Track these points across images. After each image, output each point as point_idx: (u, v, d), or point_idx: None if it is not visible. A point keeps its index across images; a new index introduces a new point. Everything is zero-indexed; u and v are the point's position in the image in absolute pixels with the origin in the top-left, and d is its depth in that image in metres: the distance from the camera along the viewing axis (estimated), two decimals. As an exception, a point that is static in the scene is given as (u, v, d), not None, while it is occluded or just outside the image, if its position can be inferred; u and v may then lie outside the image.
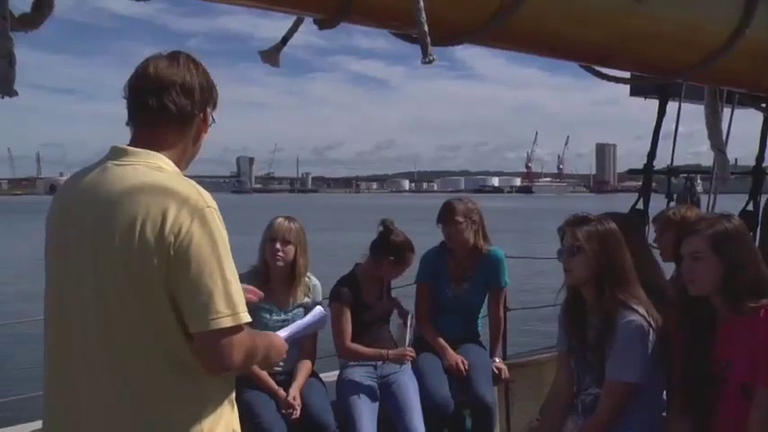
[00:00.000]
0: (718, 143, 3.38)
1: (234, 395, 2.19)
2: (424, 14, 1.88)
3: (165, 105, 2.07)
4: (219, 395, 2.10)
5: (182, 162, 2.18)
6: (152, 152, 2.08)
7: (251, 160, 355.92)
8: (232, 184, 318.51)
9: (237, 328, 1.98)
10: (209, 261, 1.95)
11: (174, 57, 2.13)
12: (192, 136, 2.19)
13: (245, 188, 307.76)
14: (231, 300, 1.97)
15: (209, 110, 2.20)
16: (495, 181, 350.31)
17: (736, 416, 2.90)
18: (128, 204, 1.97)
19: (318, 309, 2.90)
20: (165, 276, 1.95)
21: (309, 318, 2.85)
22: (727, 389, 2.97)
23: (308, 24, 2.30)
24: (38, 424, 2.78)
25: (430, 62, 1.95)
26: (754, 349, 2.87)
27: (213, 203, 2.02)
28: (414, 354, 4.47)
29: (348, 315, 4.50)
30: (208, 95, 2.17)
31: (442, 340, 4.72)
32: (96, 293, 1.99)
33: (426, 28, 1.90)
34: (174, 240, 1.93)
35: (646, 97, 5.87)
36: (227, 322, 1.95)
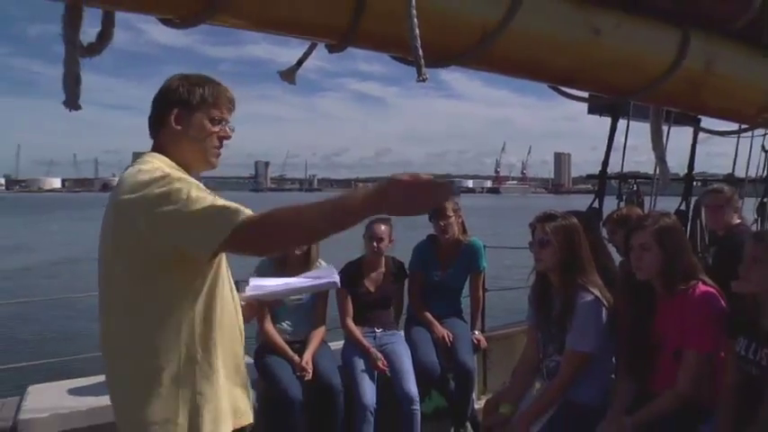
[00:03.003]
0: (660, 154, 3.36)
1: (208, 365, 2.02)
2: (418, 41, 1.87)
3: (152, 117, 2.15)
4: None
5: (187, 161, 2.10)
6: (152, 153, 2.10)
7: (266, 164, 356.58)
8: (250, 184, 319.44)
9: (242, 224, 1.76)
10: (181, 202, 1.81)
11: (169, 78, 2.16)
12: (181, 137, 2.10)
13: (261, 187, 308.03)
14: (223, 209, 1.80)
15: (176, 111, 2.09)
16: (470, 183, 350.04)
17: (669, 376, 2.96)
18: (117, 192, 1.97)
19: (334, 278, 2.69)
20: (151, 237, 1.86)
21: (323, 281, 2.66)
22: (662, 354, 3.01)
23: (319, 50, 2.28)
24: None
25: (423, 80, 1.92)
26: (684, 322, 2.92)
27: (174, 173, 1.94)
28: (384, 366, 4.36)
29: (348, 296, 4.51)
30: (186, 98, 2.10)
31: (430, 316, 4.72)
32: (103, 271, 2.02)
33: (420, 52, 1.88)
34: (148, 206, 1.85)
35: (601, 115, 5.89)
36: (235, 220, 1.77)
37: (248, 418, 2.17)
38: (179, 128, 2.11)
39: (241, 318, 2.22)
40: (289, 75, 2.32)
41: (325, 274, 2.73)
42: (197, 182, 1.97)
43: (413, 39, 1.87)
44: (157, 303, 1.96)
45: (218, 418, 2.03)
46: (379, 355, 4.36)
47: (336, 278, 2.74)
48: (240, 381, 2.17)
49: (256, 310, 2.35)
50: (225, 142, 2.19)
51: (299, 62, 2.34)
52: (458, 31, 2.11)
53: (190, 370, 1.98)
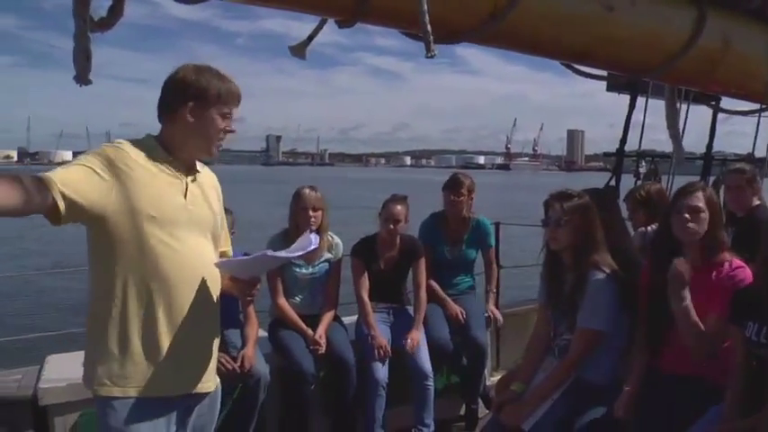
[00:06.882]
0: (675, 132, 3.35)
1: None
2: (427, 17, 1.87)
3: (162, 102, 2.25)
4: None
5: (172, 143, 2.24)
6: (150, 136, 2.26)
7: (278, 138, 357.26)
8: (262, 158, 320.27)
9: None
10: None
11: (177, 68, 2.25)
12: (179, 125, 2.22)
13: (271, 161, 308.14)
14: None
15: (191, 104, 2.19)
16: (481, 159, 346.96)
17: (680, 355, 2.95)
18: None
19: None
20: None
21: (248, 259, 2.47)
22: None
23: (334, 24, 2.29)
24: None
25: (431, 57, 1.94)
26: (709, 293, 2.89)
27: (111, 145, 2.13)
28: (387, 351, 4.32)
29: (363, 269, 4.51)
30: (202, 93, 2.20)
31: (442, 293, 4.75)
32: None
33: (429, 28, 1.88)
34: None
35: (619, 92, 5.82)
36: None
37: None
38: (192, 120, 2.21)
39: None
40: (299, 50, 2.33)
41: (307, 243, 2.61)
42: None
43: (422, 14, 1.87)
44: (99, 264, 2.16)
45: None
46: (384, 341, 4.31)
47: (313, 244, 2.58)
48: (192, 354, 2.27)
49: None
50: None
51: (310, 37, 2.35)
52: (468, 7, 2.11)
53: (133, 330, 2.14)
